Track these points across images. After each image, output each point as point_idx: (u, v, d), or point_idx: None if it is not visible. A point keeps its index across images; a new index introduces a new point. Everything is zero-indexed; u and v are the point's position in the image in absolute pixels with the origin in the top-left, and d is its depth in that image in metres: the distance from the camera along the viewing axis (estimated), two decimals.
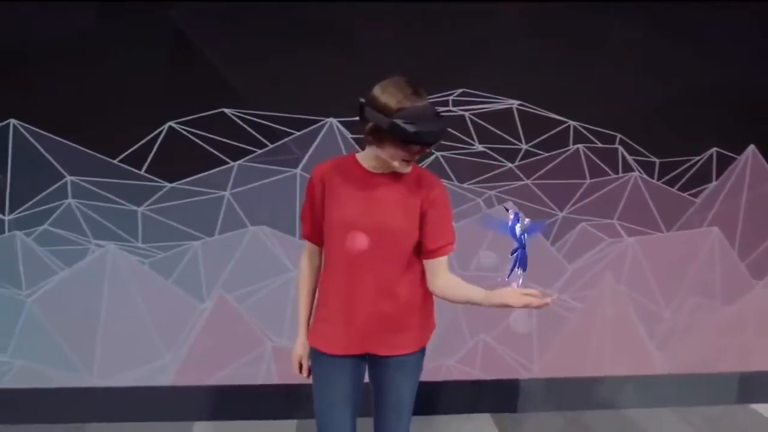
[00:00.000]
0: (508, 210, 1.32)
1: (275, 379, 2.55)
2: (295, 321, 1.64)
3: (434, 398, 2.65)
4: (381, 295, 1.45)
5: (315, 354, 1.54)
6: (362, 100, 1.39)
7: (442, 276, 1.47)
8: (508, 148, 2.59)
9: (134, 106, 2.36)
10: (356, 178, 1.45)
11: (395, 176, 1.45)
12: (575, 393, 2.74)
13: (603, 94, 2.57)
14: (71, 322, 2.45)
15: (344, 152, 2.51)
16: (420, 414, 2.61)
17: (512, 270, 1.28)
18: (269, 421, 2.55)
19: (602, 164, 2.65)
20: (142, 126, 2.36)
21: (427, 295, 1.53)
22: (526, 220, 1.31)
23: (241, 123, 2.42)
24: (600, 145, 2.63)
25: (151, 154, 2.38)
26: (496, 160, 2.59)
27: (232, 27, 2.36)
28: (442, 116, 1.39)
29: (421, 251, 1.48)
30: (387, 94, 1.35)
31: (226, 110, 2.40)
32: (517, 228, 1.28)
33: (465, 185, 2.58)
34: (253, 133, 2.43)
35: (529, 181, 2.62)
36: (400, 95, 1.35)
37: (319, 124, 2.46)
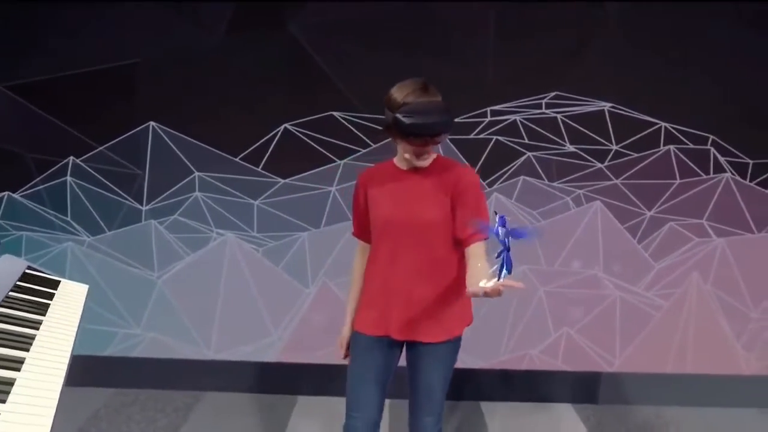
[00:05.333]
0: (496, 214, 1.30)
1: None
2: None
3: (518, 386, 2.80)
4: (417, 283, 1.54)
5: (355, 336, 1.65)
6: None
7: (472, 265, 1.43)
8: (598, 149, 2.68)
9: (255, 110, 2.63)
10: (391, 179, 1.57)
11: (423, 171, 1.53)
12: (657, 389, 2.80)
13: (696, 96, 2.61)
14: (194, 301, 2.76)
15: (442, 152, 2.68)
16: (504, 400, 2.79)
17: (500, 273, 1.25)
18: None
19: (693, 165, 2.68)
20: (261, 127, 2.63)
21: (464, 286, 1.47)
22: (513, 225, 1.29)
23: (348, 125, 2.63)
24: (692, 146, 2.67)
25: (268, 153, 2.64)
26: (586, 160, 2.68)
27: (340, 37, 2.57)
28: (447, 112, 1.42)
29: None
30: (397, 91, 1.45)
31: (335, 113, 2.62)
32: (500, 231, 1.25)
33: (555, 184, 2.70)
34: (358, 134, 2.64)
35: (618, 181, 2.70)
36: (407, 91, 1.42)
37: None
